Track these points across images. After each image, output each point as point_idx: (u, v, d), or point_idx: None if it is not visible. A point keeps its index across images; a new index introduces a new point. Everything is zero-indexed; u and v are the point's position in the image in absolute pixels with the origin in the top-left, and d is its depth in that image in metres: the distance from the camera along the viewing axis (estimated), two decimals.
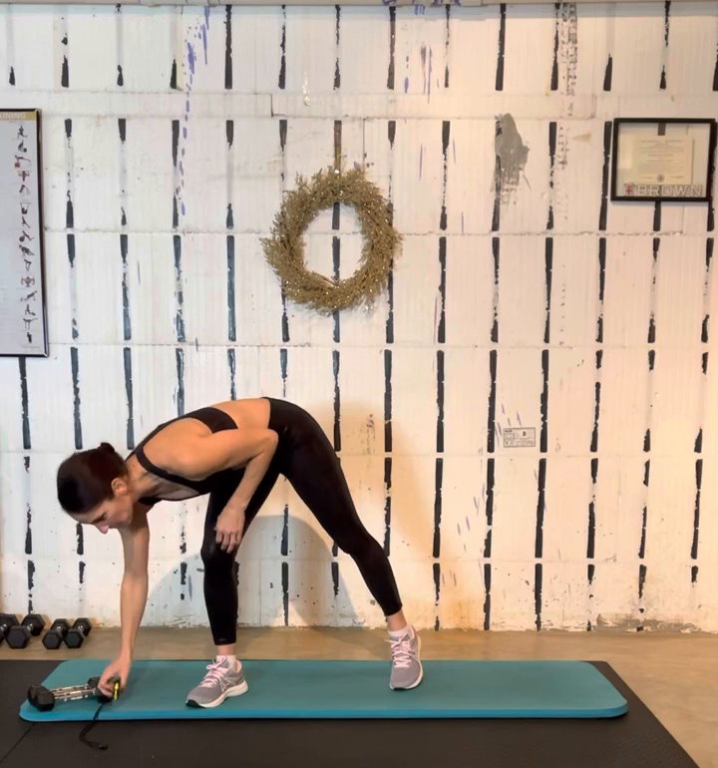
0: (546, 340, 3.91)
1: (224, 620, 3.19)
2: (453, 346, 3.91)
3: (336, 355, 3.91)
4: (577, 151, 3.83)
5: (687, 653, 3.76)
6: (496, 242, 3.87)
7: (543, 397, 3.93)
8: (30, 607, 4.02)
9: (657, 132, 3.80)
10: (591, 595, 4.01)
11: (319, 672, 3.38)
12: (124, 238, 3.87)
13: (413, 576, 3.96)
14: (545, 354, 3.92)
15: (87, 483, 2.77)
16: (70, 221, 3.86)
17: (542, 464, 3.96)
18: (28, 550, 4.01)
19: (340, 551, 3.94)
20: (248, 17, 3.76)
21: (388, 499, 3.96)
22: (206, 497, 3.97)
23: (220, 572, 3.14)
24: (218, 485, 3.07)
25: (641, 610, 4.01)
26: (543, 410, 3.94)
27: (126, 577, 3.18)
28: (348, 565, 3.95)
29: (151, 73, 3.80)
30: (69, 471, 2.82)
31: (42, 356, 3.90)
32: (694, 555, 4.00)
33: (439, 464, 3.96)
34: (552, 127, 3.82)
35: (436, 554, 4.00)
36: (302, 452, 3.12)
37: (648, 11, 3.76)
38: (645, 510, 3.98)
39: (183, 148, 3.83)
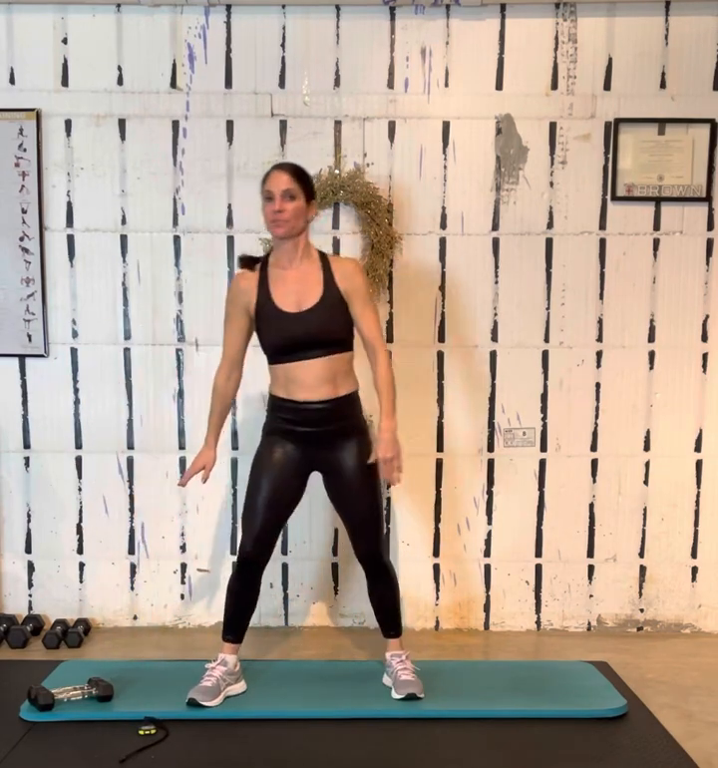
0: (546, 340, 3.91)
1: (240, 620, 3.18)
2: (453, 346, 3.91)
3: None
4: (577, 151, 3.82)
5: (687, 653, 3.76)
6: (496, 242, 3.87)
7: (543, 397, 3.93)
8: (30, 607, 4.02)
9: (657, 132, 3.80)
10: (591, 595, 4.01)
11: (319, 672, 3.38)
12: (124, 238, 3.87)
13: (413, 576, 3.96)
14: (545, 354, 3.92)
15: (310, 178, 3.12)
16: (70, 221, 3.86)
17: (542, 464, 3.96)
18: (28, 550, 4.01)
19: (340, 552, 3.95)
20: (248, 17, 3.76)
21: (388, 499, 3.96)
22: (209, 500, 3.97)
23: (252, 572, 3.13)
24: (276, 459, 3.09)
25: (641, 610, 4.01)
26: (543, 410, 3.94)
27: (222, 368, 3.18)
28: (348, 565, 3.96)
29: (151, 73, 3.80)
30: None
31: (42, 356, 3.90)
32: (694, 555, 3.99)
33: (439, 464, 3.96)
34: (552, 127, 3.82)
35: (436, 554, 4.00)
36: (363, 440, 3.12)
37: (648, 11, 3.76)
38: (645, 510, 3.98)
39: (183, 148, 3.83)
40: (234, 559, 3.95)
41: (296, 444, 3.10)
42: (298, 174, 3.05)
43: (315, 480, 3.21)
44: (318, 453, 3.10)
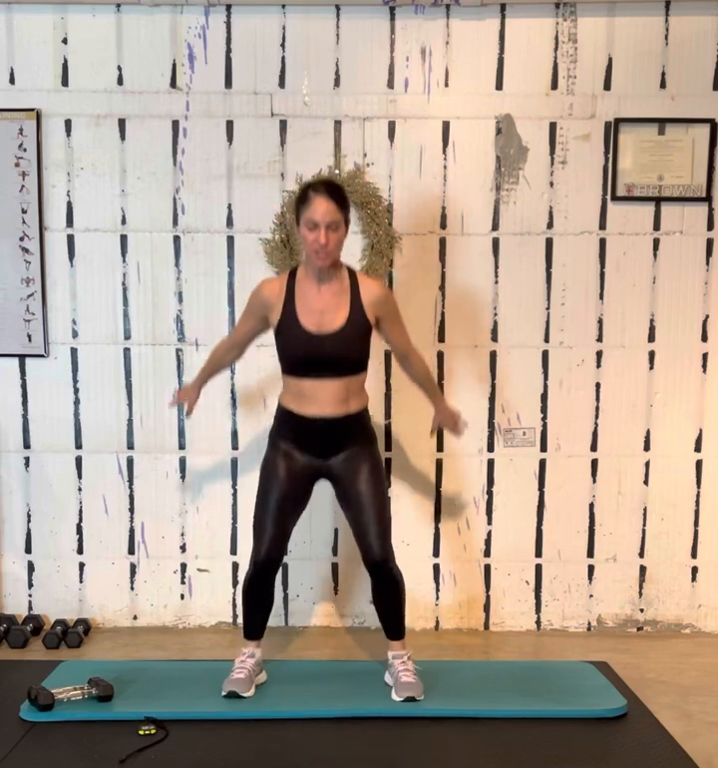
0: (546, 340, 3.91)
1: (260, 621, 3.25)
2: (453, 346, 3.91)
3: None
4: (577, 151, 3.82)
5: (687, 653, 3.76)
6: (496, 242, 3.87)
7: (543, 397, 3.93)
8: (30, 607, 4.02)
9: (657, 132, 3.80)
10: (591, 595, 4.01)
11: (319, 672, 3.38)
12: (124, 238, 3.87)
13: (413, 576, 3.95)
14: (545, 354, 3.92)
15: (349, 202, 3.12)
16: (70, 221, 3.86)
17: (542, 464, 3.96)
18: (28, 550, 4.01)
19: (340, 552, 3.95)
20: (248, 17, 3.76)
21: (388, 499, 3.95)
22: (209, 500, 3.97)
23: (267, 576, 3.16)
24: (284, 468, 3.14)
25: (641, 610, 4.01)
26: (543, 410, 3.94)
27: (224, 342, 3.40)
28: (348, 565, 3.96)
29: (151, 73, 3.80)
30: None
31: (42, 356, 3.90)
32: (694, 555, 3.99)
33: (439, 464, 3.96)
34: (552, 127, 3.82)
35: (436, 554, 4.00)
36: (373, 449, 3.21)
37: (648, 11, 3.76)
38: (645, 510, 3.98)
39: (183, 148, 3.83)
40: (234, 558, 3.97)
41: (304, 453, 3.14)
42: (342, 201, 3.03)
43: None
44: (326, 462, 3.15)
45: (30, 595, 4.02)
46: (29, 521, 4.00)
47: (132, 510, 3.98)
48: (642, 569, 4.00)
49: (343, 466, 3.14)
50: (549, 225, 3.86)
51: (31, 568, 4.01)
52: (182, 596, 4.02)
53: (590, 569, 4.00)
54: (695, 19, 3.76)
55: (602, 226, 3.86)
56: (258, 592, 3.18)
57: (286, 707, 3.07)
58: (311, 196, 2.98)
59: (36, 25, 3.77)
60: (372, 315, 3.08)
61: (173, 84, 3.81)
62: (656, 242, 3.87)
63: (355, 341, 3.06)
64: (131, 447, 3.95)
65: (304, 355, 3.05)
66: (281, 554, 3.17)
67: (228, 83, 3.81)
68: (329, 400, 3.06)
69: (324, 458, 3.14)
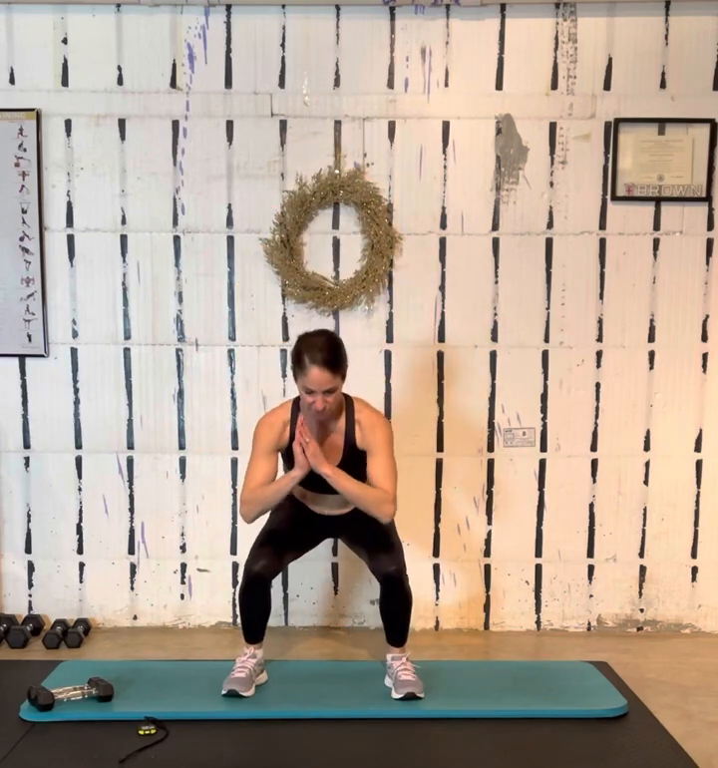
0: (546, 340, 3.91)
1: (258, 626, 3.26)
2: (453, 346, 3.91)
3: None
4: (577, 151, 3.82)
5: (687, 653, 3.76)
6: (496, 242, 3.87)
7: (543, 397, 3.93)
8: (30, 607, 4.02)
9: (657, 132, 3.80)
10: (591, 595, 4.01)
11: (319, 672, 3.38)
12: (124, 238, 3.87)
13: (413, 576, 3.94)
14: (545, 354, 3.92)
15: (345, 356, 3.11)
16: (70, 221, 3.86)
17: (542, 464, 3.96)
18: (28, 550, 4.01)
19: (340, 552, 3.95)
20: (248, 17, 3.76)
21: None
22: (209, 500, 3.98)
23: (262, 587, 3.17)
24: (297, 510, 3.31)
25: (641, 610, 4.01)
26: (543, 410, 3.94)
27: (249, 490, 3.16)
28: (348, 565, 3.96)
29: (151, 73, 3.80)
30: (337, 336, 3.22)
31: (42, 356, 3.90)
32: (694, 555, 3.99)
33: (439, 464, 3.96)
34: (552, 127, 3.82)
35: (436, 554, 4.00)
36: None
37: (648, 11, 3.76)
38: (645, 510, 3.98)
39: (183, 148, 3.83)
40: (234, 558, 3.97)
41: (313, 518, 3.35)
42: (337, 364, 3.03)
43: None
44: (335, 529, 3.38)
45: (30, 595, 4.02)
46: (29, 521, 4.00)
47: (132, 510, 3.98)
48: (642, 569, 4.00)
49: (351, 522, 3.29)
50: (549, 225, 3.86)
51: (31, 568, 4.01)
52: (182, 596, 4.02)
53: (590, 569, 4.00)
54: (695, 19, 3.76)
55: (602, 226, 3.86)
56: (254, 601, 3.20)
57: (286, 707, 3.07)
58: (307, 366, 2.99)
59: (36, 25, 3.77)
60: (361, 445, 3.18)
61: (173, 84, 3.81)
62: (656, 242, 3.87)
63: (354, 473, 3.13)
64: (131, 447, 3.95)
65: (309, 486, 3.21)
66: (274, 575, 3.20)
67: (228, 83, 3.81)
68: (333, 506, 3.28)
69: (333, 527, 3.37)
